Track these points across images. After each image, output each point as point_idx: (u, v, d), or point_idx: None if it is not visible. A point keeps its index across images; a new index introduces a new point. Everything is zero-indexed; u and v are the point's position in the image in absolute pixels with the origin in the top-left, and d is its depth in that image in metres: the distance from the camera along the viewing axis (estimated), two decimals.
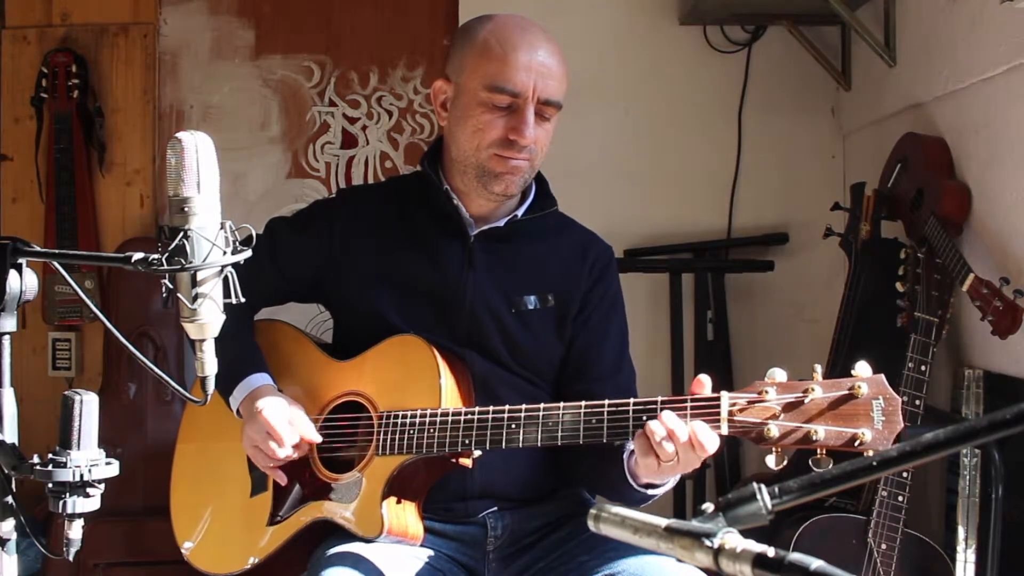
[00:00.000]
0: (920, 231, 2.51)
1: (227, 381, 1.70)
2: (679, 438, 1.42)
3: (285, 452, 1.65)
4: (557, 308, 1.77)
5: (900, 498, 2.32)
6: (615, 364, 1.80)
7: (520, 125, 1.66)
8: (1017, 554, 2.31)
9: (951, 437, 0.77)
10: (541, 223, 1.81)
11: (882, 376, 1.36)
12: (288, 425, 1.65)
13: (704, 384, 1.48)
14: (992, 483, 2.29)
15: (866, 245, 2.80)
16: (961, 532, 2.35)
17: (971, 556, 2.34)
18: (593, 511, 0.87)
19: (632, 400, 1.50)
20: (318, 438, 1.69)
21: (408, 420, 1.62)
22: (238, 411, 1.72)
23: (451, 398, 1.65)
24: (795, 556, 0.74)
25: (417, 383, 1.65)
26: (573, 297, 1.78)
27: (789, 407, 1.38)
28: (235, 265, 1.17)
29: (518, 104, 1.67)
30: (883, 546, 2.32)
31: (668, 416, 1.43)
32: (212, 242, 1.14)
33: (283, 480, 1.70)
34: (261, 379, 1.73)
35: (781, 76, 3.43)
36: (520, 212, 1.79)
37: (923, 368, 2.32)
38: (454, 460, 1.64)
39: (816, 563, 0.73)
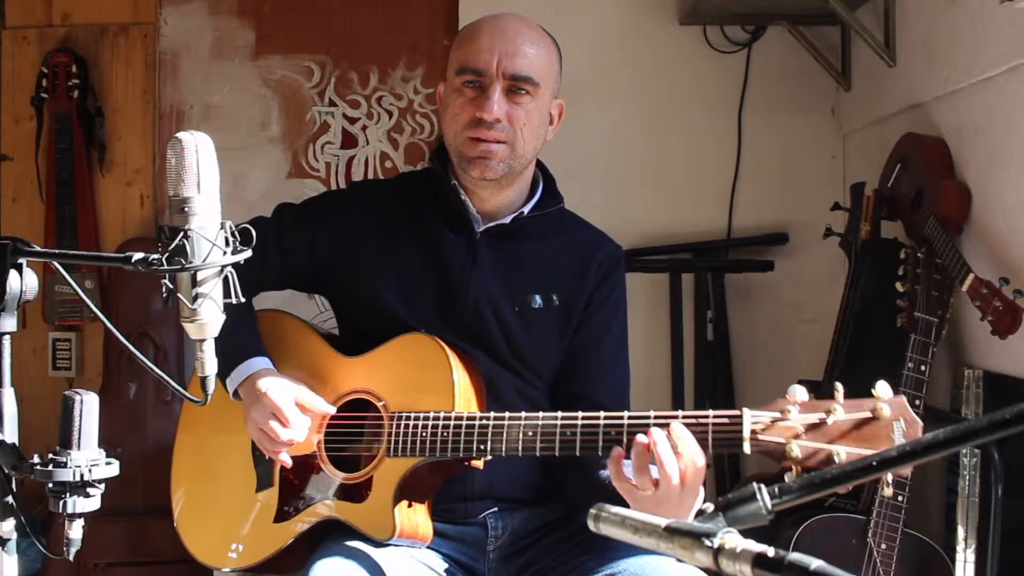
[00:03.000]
0: (920, 231, 2.51)
1: (224, 363, 1.67)
2: (661, 456, 1.41)
3: (291, 434, 1.62)
4: (562, 308, 1.75)
5: (900, 498, 2.31)
6: (610, 366, 1.79)
7: (484, 101, 1.68)
8: (1017, 554, 2.31)
9: (951, 437, 0.77)
10: (548, 221, 1.80)
11: (903, 398, 1.37)
12: (294, 405, 1.63)
13: None
14: (992, 483, 2.29)
15: (866, 245, 2.79)
16: (961, 532, 2.35)
17: (971, 556, 2.34)
18: (593, 511, 0.87)
19: (653, 413, 1.48)
20: (331, 409, 1.67)
21: (420, 422, 1.59)
22: (235, 392, 1.69)
23: (464, 397, 1.62)
24: (795, 556, 0.74)
25: (429, 383, 1.63)
26: (579, 297, 1.77)
27: (812, 427, 1.37)
28: (235, 265, 1.17)
29: (484, 83, 1.69)
30: (883, 546, 2.32)
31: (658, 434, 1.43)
32: (212, 242, 1.14)
33: (288, 464, 1.66)
34: (261, 363, 1.70)
35: (781, 76, 3.43)
36: (527, 209, 1.79)
37: (923, 368, 2.32)
38: (466, 463, 1.62)
39: (816, 563, 0.73)
